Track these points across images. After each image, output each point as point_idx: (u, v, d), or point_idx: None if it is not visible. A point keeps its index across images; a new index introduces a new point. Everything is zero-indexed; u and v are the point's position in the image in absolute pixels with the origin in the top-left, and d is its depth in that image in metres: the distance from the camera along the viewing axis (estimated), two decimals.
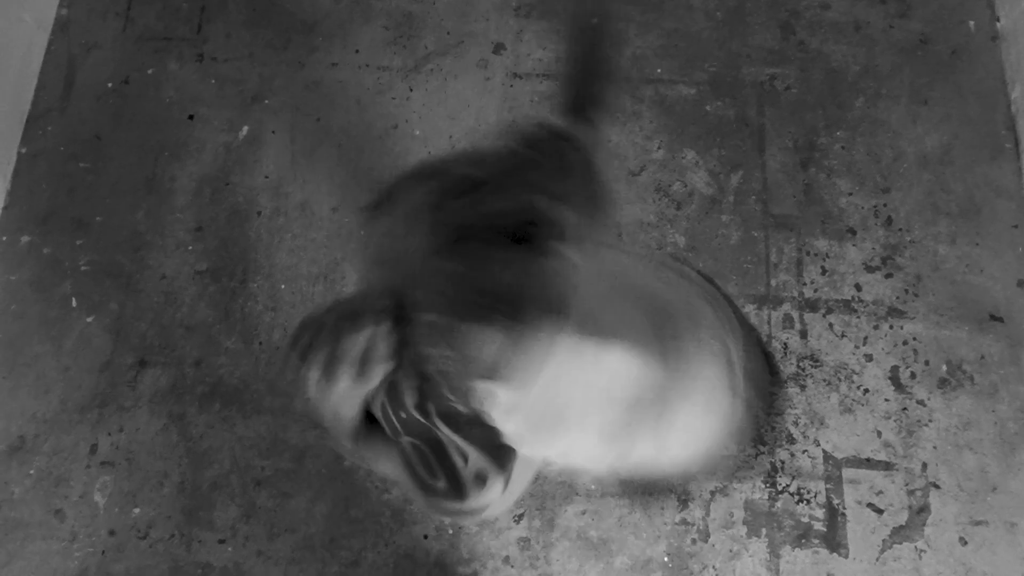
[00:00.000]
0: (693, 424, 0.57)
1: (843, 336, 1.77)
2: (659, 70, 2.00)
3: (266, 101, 1.97)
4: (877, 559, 1.62)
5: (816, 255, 1.83)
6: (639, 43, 2.02)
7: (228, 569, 1.61)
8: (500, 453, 0.69)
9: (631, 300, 0.58)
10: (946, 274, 1.82)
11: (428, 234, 0.80)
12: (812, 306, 1.79)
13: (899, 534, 1.63)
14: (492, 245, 0.75)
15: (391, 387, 0.75)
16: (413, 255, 0.80)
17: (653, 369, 0.55)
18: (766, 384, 0.58)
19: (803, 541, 1.63)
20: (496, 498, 0.76)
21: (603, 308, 0.57)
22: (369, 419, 0.87)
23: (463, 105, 1.97)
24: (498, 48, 2.02)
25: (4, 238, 1.86)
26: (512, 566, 1.61)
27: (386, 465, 0.79)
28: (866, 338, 1.77)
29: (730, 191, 1.89)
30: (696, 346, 0.56)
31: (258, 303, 1.80)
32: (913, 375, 1.74)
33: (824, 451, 1.69)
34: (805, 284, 1.81)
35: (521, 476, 0.75)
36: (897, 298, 1.80)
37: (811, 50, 2.01)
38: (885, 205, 1.88)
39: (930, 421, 1.71)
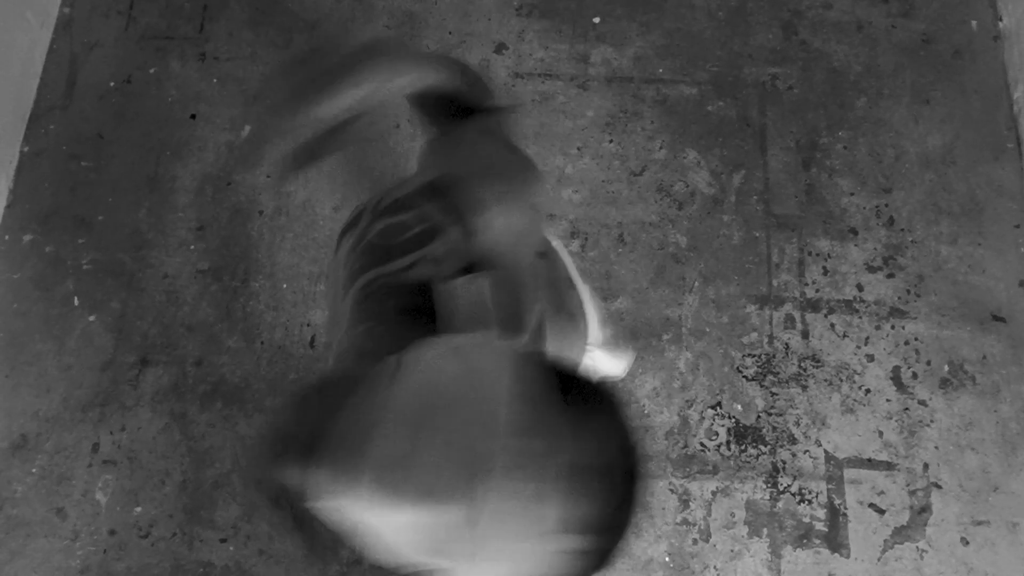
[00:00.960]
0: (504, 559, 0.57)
1: (845, 336, 1.77)
2: (660, 70, 2.00)
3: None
4: (879, 559, 1.62)
5: (818, 255, 1.83)
6: (640, 43, 2.02)
7: (230, 568, 1.62)
8: None
9: (435, 427, 0.56)
10: (948, 274, 1.82)
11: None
12: (814, 306, 1.79)
13: (901, 534, 1.63)
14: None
15: None
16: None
17: (450, 513, 0.54)
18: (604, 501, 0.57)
19: (804, 541, 1.63)
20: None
21: (404, 448, 0.56)
22: None
23: None
24: (500, 48, 2.02)
25: (6, 236, 1.86)
26: None
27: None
28: (868, 338, 1.77)
29: (732, 191, 1.89)
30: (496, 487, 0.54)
31: (260, 302, 1.80)
32: (915, 375, 1.74)
33: (826, 451, 1.69)
34: (807, 284, 1.81)
35: None
36: (899, 298, 1.80)
37: (813, 50, 2.01)
38: (887, 205, 1.87)
39: (932, 421, 1.70)
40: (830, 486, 1.66)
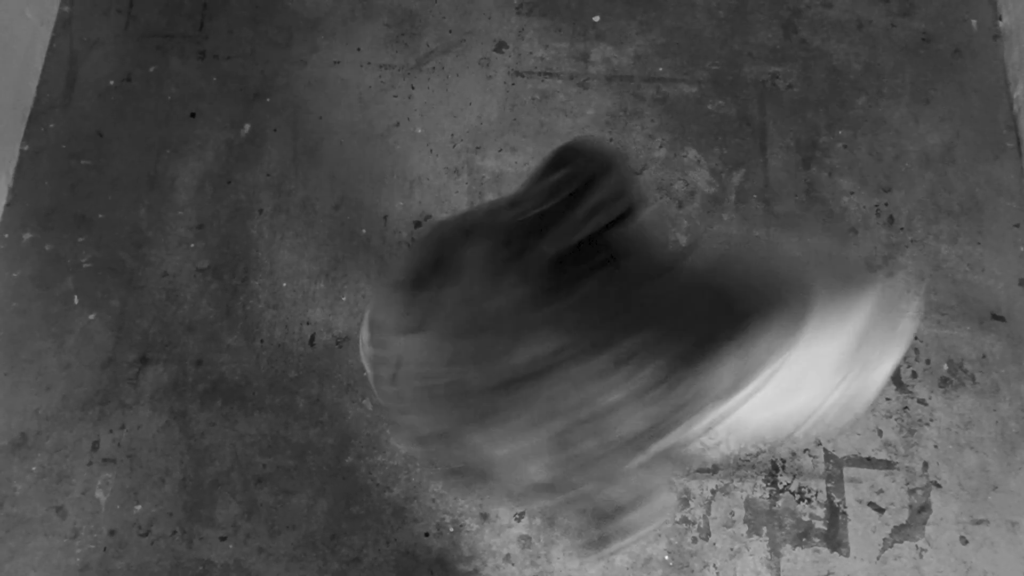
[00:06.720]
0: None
1: None
2: (660, 68, 2.00)
3: (268, 99, 1.98)
4: (878, 558, 1.62)
5: None
6: (640, 41, 2.02)
7: (229, 566, 1.62)
8: None
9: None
10: (947, 273, 1.82)
11: (520, 284, 0.76)
12: None
13: (900, 533, 1.63)
14: (612, 266, 0.75)
15: None
16: (513, 311, 0.76)
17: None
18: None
19: (804, 540, 1.63)
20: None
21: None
22: None
23: (465, 103, 1.97)
24: (500, 46, 2.02)
25: (6, 235, 1.86)
26: (513, 564, 1.61)
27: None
28: None
29: (732, 190, 1.89)
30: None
31: (260, 301, 1.80)
32: (914, 374, 1.74)
33: (825, 450, 1.69)
34: None
35: None
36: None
37: (813, 48, 2.01)
38: (887, 204, 1.88)
39: (931, 420, 1.71)
40: (829, 485, 1.67)
